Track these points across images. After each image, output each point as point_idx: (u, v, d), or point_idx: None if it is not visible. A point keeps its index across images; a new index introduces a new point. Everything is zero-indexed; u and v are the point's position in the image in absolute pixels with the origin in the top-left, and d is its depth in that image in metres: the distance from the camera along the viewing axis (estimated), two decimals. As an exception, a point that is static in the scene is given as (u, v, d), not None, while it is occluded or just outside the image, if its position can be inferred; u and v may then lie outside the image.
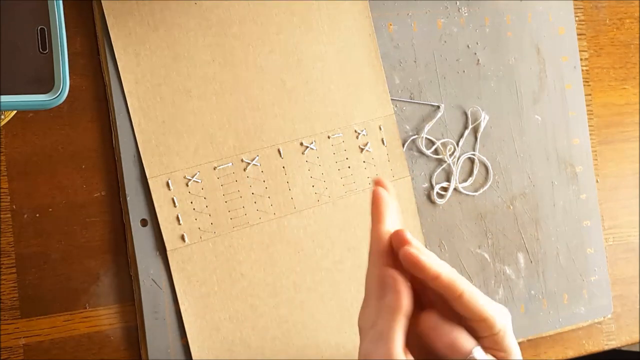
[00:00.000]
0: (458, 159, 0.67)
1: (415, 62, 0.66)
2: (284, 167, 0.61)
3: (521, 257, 0.68)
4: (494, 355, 0.43)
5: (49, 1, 0.46)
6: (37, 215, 0.56)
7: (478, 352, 0.43)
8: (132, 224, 0.57)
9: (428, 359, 0.44)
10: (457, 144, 0.67)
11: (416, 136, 0.66)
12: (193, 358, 0.57)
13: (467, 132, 0.67)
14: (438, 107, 0.66)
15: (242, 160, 0.60)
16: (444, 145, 0.66)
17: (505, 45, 0.69)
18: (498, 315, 0.43)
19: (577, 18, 0.72)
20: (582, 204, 0.71)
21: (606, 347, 0.72)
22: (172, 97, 0.58)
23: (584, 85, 0.72)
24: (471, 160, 0.68)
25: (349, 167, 0.63)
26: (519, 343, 0.68)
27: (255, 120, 0.60)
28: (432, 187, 0.66)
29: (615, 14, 0.74)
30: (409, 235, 0.44)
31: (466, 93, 0.67)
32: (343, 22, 0.63)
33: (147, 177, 0.57)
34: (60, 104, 0.46)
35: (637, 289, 0.74)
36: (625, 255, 0.74)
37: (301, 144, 0.62)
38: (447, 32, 0.67)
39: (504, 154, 0.68)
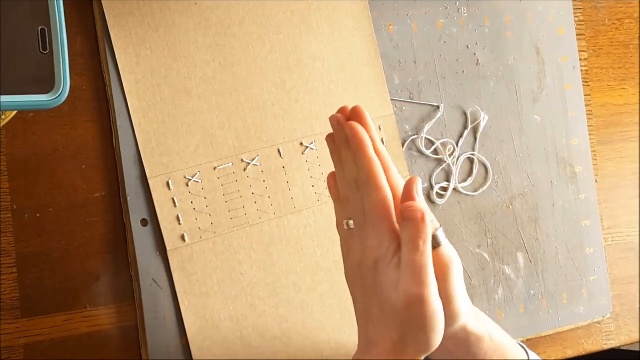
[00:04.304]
0: (458, 159, 0.67)
1: (415, 62, 0.66)
2: (284, 167, 0.61)
3: (520, 257, 0.69)
4: None
5: (49, 1, 0.46)
6: (38, 215, 0.56)
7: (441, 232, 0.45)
8: (132, 224, 0.57)
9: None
10: (457, 144, 0.67)
11: (416, 136, 0.66)
12: (193, 358, 0.57)
13: (466, 132, 0.67)
14: (438, 107, 0.66)
15: (242, 160, 0.60)
16: (444, 145, 0.66)
17: (505, 45, 0.69)
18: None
19: (576, 18, 0.72)
20: (582, 204, 0.71)
21: (605, 347, 0.73)
22: (172, 97, 0.58)
23: (584, 85, 0.72)
24: (471, 160, 0.68)
25: (349, 167, 0.63)
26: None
27: (255, 120, 0.60)
28: (431, 187, 0.66)
29: (615, 14, 0.75)
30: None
31: (466, 93, 0.67)
32: (343, 22, 0.63)
33: (147, 177, 0.57)
34: (60, 104, 0.46)
35: (636, 289, 0.74)
36: (624, 255, 0.74)
37: (301, 144, 0.62)
38: (446, 32, 0.67)
39: (503, 154, 0.69)
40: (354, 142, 0.45)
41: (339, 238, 0.62)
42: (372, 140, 0.45)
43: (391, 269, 0.43)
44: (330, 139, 0.48)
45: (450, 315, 0.44)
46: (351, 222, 0.46)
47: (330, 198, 0.62)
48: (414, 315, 0.41)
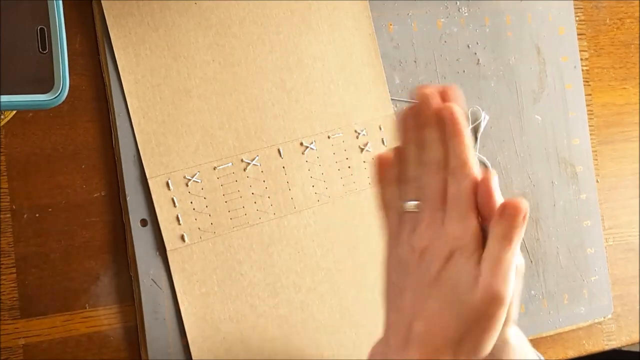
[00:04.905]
0: (458, 159, 0.67)
1: (415, 62, 0.66)
2: (284, 167, 0.61)
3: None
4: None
5: (48, 1, 0.46)
6: (37, 215, 0.56)
7: None
8: (132, 224, 0.57)
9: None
10: (457, 144, 0.67)
11: (416, 136, 0.65)
12: (193, 358, 0.57)
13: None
14: (438, 107, 0.66)
15: (242, 160, 0.60)
16: (444, 145, 0.66)
17: (505, 45, 0.69)
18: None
19: (577, 18, 0.72)
20: (582, 204, 0.71)
21: (606, 347, 0.72)
22: (172, 97, 0.58)
23: (584, 85, 0.72)
24: (471, 160, 0.68)
25: (349, 167, 0.63)
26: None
27: (255, 120, 0.60)
28: (432, 187, 0.66)
29: (615, 13, 0.74)
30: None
31: (466, 93, 0.67)
32: (343, 22, 0.63)
33: (147, 177, 0.57)
34: (60, 104, 0.46)
35: (637, 289, 0.74)
36: (625, 255, 0.74)
37: (301, 144, 0.62)
38: (447, 32, 0.67)
39: (504, 154, 0.68)
40: (453, 127, 0.42)
41: (339, 238, 0.62)
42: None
43: (470, 263, 0.40)
44: (409, 114, 0.44)
45: (506, 321, 0.42)
46: (412, 204, 0.43)
47: (330, 197, 0.62)
48: (485, 315, 0.39)
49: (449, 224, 0.41)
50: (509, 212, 0.40)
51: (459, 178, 0.41)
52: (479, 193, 0.41)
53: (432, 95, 0.43)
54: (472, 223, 0.41)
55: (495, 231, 0.40)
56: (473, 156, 0.42)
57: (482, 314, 0.39)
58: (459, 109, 0.42)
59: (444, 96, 0.43)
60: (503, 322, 0.40)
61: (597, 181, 0.72)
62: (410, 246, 0.42)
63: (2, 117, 0.54)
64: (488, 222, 0.41)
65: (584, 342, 0.71)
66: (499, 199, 0.41)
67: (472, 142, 0.43)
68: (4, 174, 0.55)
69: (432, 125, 0.43)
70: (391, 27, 0.65)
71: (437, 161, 0.42)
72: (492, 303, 0.39)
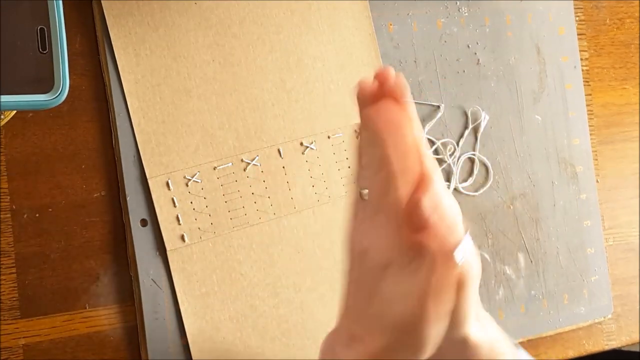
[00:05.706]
0: (458, 159, 0.67)
1: (415, 62, 0.66)
2: (284, 167, 0.61)
3: (521, 257, 0.68)
4: None
5: (48, 1, 0.46)
6: (37, 215, 0.56)
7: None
8: (132, 224, 0.57)
9: None
10: (457, 144, 0.67)
11: (416, 136, 0.65)
12: (193, 358, 0.57)
13: (467, 132, 0.67)
14: (438, 107, 0.66)
15: (242, 160, 0.60)
16: (444, 145, 0.66)
17: (505, 45, 0.69)
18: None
19: (577, 18, 0.72)
20: (582, 204, 0.71)
21: (606, 347, 0.72)
22: (172, 97, 0.58)
23: (584, 85, 0.72)
24: (471, 160, 0.68)
25: (349, 167, 0.63)
26: (519, 343, 0.68)
27: (255, 120, 0.60)
28: (432, 187, 0.66)
29: (615, 13, 0.74)
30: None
31: (466, 93, 0.67)
32: (343, 22, 0.63)
33: (147, 177, 0.57)
34: (60, 104, 0.46)
35: (637, 289, 0.74)
36: (625, 255, 0.74)
37: (301, 144, 0.62)
38: (447, 32, 0.67)
39: (504, 154, 0.68)
40: (390, 126, 0.38)
41: (338, 238, 0.62)
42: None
43: (405, 275, 0.38)
44: (367, 89, 0.39)
45: (452, 336, 0.40)
46: (365, 191, 0.40)
47: (330, 198, 0.62)
48: (413, 332, 0.38)
49: (381, 229, 0.38)
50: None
51: (396, 185, 0.38)
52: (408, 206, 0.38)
53: (392, 75, 0.38)
54: (405, 236, 0.38)
55: (434, 245, 0.38)
56: (417, 154, 0.38)
57: (410, 331, 0.38)
58: (407, 97, 0.38)
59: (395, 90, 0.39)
60: (439, 338, 0.38)
61: (597, 181, 0.72)
62: (356, 238, 0.40)
63: (2, 117, 0.54)
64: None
65: (584, 342, 0.71)
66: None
67: (420, 139, 0.39)
68: (4, 174, 0.55)
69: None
70: (391, 27, 0.65)
71: (378, 157, 0.38)
72: (419, 323, 0.37)
